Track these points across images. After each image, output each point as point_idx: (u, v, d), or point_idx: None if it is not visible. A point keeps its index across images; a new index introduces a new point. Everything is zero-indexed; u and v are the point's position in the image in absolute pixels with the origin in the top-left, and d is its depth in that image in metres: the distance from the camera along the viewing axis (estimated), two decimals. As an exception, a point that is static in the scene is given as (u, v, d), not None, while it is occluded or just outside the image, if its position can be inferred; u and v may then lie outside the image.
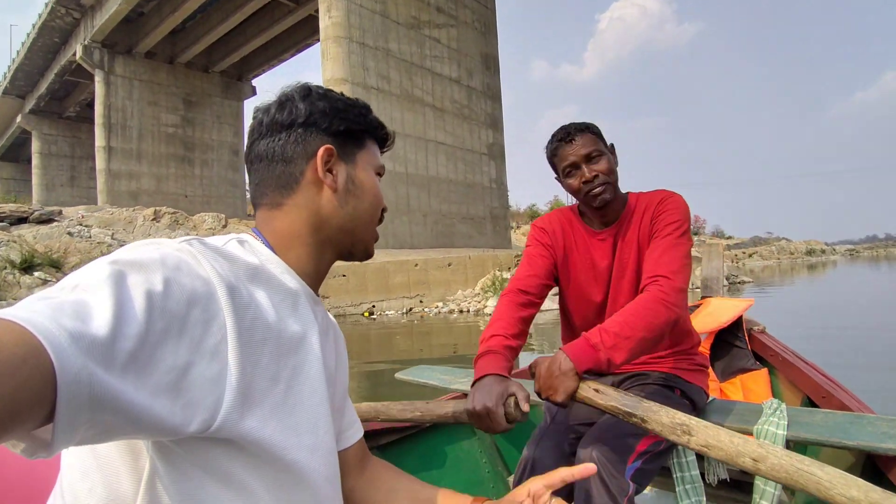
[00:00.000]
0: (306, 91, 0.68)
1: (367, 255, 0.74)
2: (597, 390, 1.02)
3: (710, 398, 1.40)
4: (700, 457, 1.32)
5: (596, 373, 1.06)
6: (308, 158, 0.66)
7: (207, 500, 0.52)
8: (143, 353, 0.43)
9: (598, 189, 1.28)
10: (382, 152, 0.76)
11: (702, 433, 0.86)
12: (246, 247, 0.62)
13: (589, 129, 1.32)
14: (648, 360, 1.34)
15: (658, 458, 1.17)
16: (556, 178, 1.39)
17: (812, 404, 1.67)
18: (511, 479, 1.61)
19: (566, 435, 1.27)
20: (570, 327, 1.44)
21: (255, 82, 24.87)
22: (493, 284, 11.72)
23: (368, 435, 1.33)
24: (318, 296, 0.69)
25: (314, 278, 0.68)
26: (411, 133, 13.57)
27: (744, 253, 48.18)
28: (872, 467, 1.25)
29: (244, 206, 24.05)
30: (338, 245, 0.70)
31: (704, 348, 2.11)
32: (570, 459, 1.21)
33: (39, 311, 0.37)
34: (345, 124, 0.68)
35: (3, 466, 0.70)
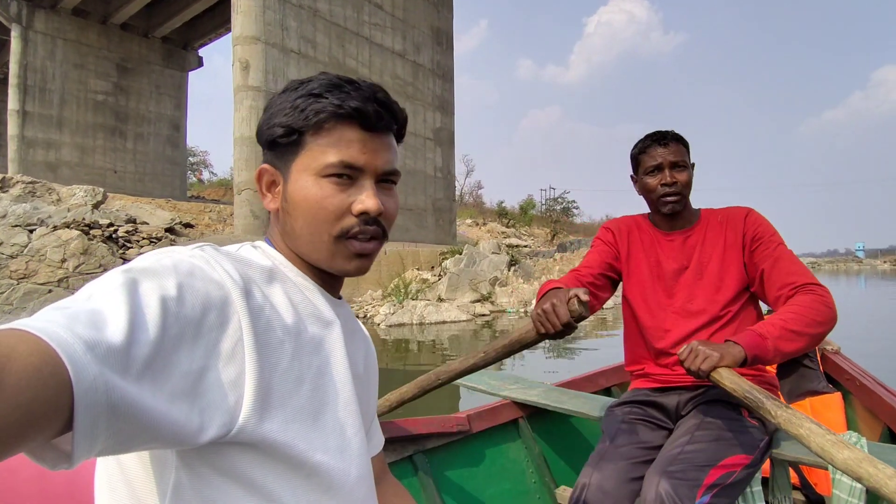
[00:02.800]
0: (270, 99, 0.64)
1: (340, 272, 0.65)
2: (729, 374, 1.05)
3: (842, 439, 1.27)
4: (766, 488, 1.35)
5: (761, 361, 1.11)
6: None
7: None
8: (158, 358, 0.43)
9: (672, 197, 1.37)
10: (367, 128, 0.62)
11: (818, 438, 0.85)
12: (259, 251, 0.63)
13: (682, 141, 1.40)
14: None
15: (727, 492, 1.15)
16: (631, 176, 1.48)
17: (894, 437, 1.57)
18: (558, 491, 1.77)
19: (627, 459, 1.27)
20: (634, 319, 1.46)
21: (202, 52, 23.02)
22: (399, 289, 10.37)
23: (414, 438, 1.54)
24: (339, 297, 0.68)
25: (329, 282, 0.66)
26: (339, 109, 12.06)
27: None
28: None
29: (184, 185, 22.31)
30: (311, 262, 0.64)
31: (770, 366, 1.86)
32: (630, 485, 1.22)
33: (54, 321, 0.38)
34: (272, 133, 0.61)
35: (19, 480, 0.67)
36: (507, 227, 29.25)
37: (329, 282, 0.67)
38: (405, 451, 1.55)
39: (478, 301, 11.26)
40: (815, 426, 0.87)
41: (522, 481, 1.81)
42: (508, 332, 1.24)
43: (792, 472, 1.54)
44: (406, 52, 14.18)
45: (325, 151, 0.61)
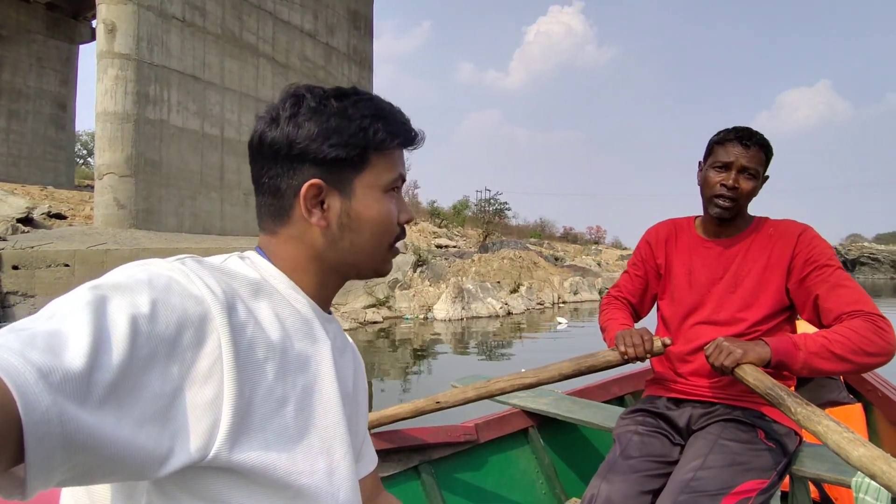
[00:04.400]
0: (295, 106, 0.60)
1: (380, 274, 0.68)
2: (752, 370, 1.06)
3: (801, 440, 1.32)
4: (785, 503, 1.34)
5: (786, 367, 1.10)
6: (295, 193, 0.60)
7: None
8: (125, 382, 0.41)
9: (725, 202, 1.28)
10: (412, 148, 0.67)
11: (834, 435, 0.84)
12: (247, 262, 0.60)
13: (766, 149, 1.29)
14: (731, 393, 1.28)
15: None
16: (699, 161, 1.39)
17: None
18: (568, 503, 1.75)
19: (638, 472, 1.25)
20: (663, 323, 1.44)
21: (95, 23, 20.53)
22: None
23: (420, 448, 1.51)
24: (329, 313, 0.66)
25: (321, 299, 0.64)
26: (235, 87, 10.60)
27: (637, 263, 49.77)
28: None
29: (71, 172, 19.77)
30: (342, 272, 0.65)
31: (791, 376, 1.66)
32: (640, 498, 1.20)
33: (7, 346, 0.36)
34: (335, 151, 0.59)
35: None
36: (440, 227, 28.78)
37: (324, 295, 0.65)
38: (411, 462, 1.49)
39: (372, 306, 10.33)
40: (833, 423, 0.87)
41: (532, 493, 1.77)
42: (594, 353, 1.25)
43: (812, 488, 1.45)
44: (317, 33, 12.95)
45: (388, 169, 0.63)
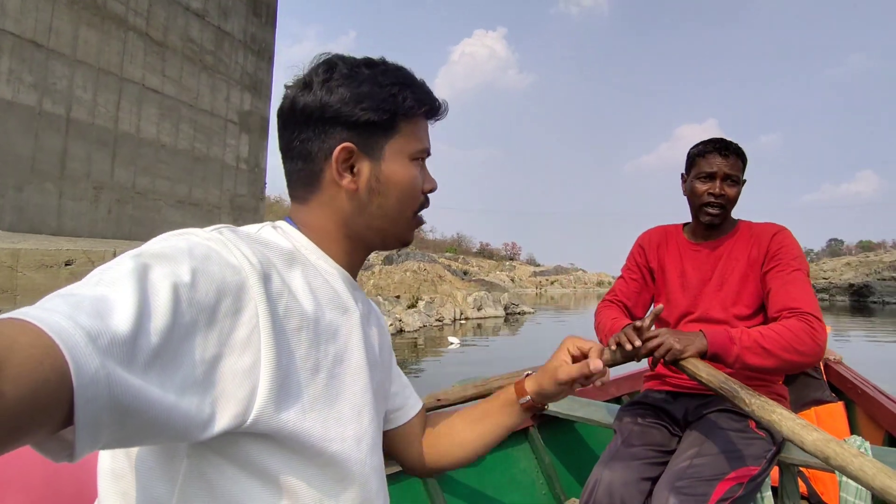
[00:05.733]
0: (328, 73, 0.62)
1: (404, 243, 0.70)
2: (703, 364, 1.09)
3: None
4: (775, 496, 1.39)
5: (720, 361, 1.14)
6: (326, 157, 0.62)
7: (246, 501, 0.50)
8: (168, 347, 0.42)
9: (714, 209, 1.37)
10: (435, 120, 0.69)
11: (789, 422, 0.87)
12: (280, 232, 0.61)
13: (742, 157, 1.39)
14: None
15: None
16: (681, 174, 1.47)
17: (894, 442, 1.66)
18: (568, 503, 1.78)
19: (639, 459, 1.29)
20: (658, 324, 1.42)
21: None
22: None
23: None
24: (356, 281, 0.67)
25: (349, 268, 0.66)
26: (92, 62, 9.00)
27: (547, 280, 51.49)
28: None
29: None
30: (367, 240, 0.67)
31: (778, 376, 1.72)
32: (640, 485, 1.24)
33: (56, 310, 0.36)
34: (368, 114, 0.61)
35: (24, 461, 0.65)
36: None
37: (352, 264, 0.66)
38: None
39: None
40: (785, 412, 0.90)
41: (532, 493, 1.78)
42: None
43: (800, 482, 1.48)
44: (207, 14, 11.55)
45: (417, 137, 0.66)
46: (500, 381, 1.34)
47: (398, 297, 12.73)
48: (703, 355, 1.13)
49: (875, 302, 26.97)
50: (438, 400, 1.40)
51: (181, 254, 0.46)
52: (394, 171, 0.64)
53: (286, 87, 0.64)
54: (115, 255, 7.80)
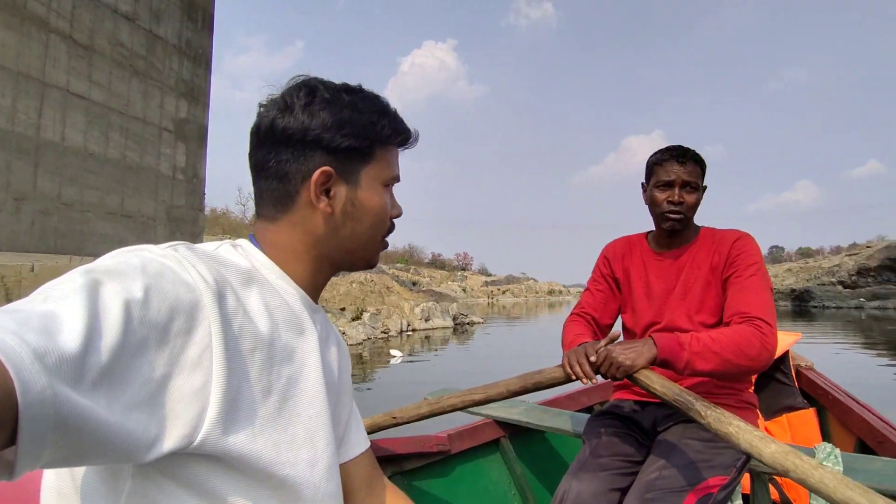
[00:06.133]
0: (310, 96, 0.63)
1: (371, 265, 0.71)
2: (656, 377, 1.08)
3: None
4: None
5: (671, 367, 1.15)
6: (304, 178, 0.63)
7: None
8: (117, 366, 0.41)
9: (675, 216, 1.37)
10: (405, 149, 0.72)
11: (746, 434, 0.85)
12: (239, 251, 0.61)
13: (700, 163, 1.40)
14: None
15: None
16: (641, 183, 1.48)
17: (866, 448, 1.62)
18: None
19: (607, 470, 1.28)
20: (629, 337, 1.47)
21: None
22: None
23: (392, 459, 1.51)
24: (316, 304, 0.67)
25: (311, 289, 0.66)
26: (10, 65, 8.42)
27: (498, 289, 52.10)
28: None
29: None
30: (336, 261, 0.68)
31: (750, 383, 1.70)
32: (609, 495, 1.24)
33: (2, 327, 0.35)
34: (348, 141, 0.63)
35: None
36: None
37: (315, 285, 0.66)
38: (383, 473, 1.28)
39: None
40: (742, 424, 0.88)
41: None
42: (540, 370, 1.24)
43: (772, 490, 1.48)
44: (138, 17, 11.03)
45: (390, 165, 0.68)
46: (453, 400, 1.32)
47: (343, 309, 12.50)
48: (654, 362, 1.13)
49: (815, 306, 28.67)
50: (394, 418, 1.38)
51: (134, 270, 0.45)
52: (368, 197, 0.66)
53: (261, 105, 0.65)
54: (33, 269, 7.28)
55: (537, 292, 57.89)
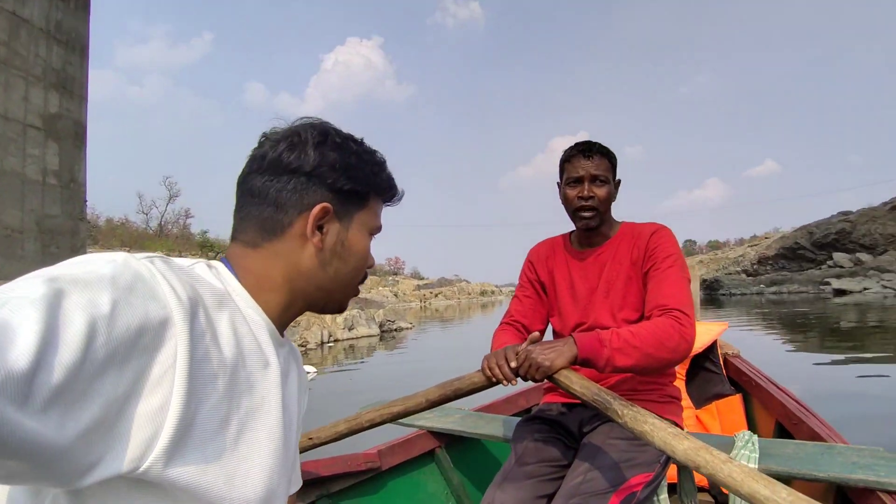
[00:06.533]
0: (322, 136, 0.64)
1: (341, 310, 0.71)
2: (576, 377, 1.07)
3: (686, 432, 1.30)
4: (673, 493, 1.42)
5: (592, 366, 1.14)
6: (301, 210, 0.63)
7: None
8: (75, 386, 0.38)
9: (587, 213, 1.36)
10: (387, 206, 0.74)
11: (660, 432, 0.88)
12: (214, 272, 0.59)
13: (608, 156, 1.39)
14: (617, 393, 1.17)
15: None
16: (557, 183, 1.46)
17: (784, 431, 1.66)
18: None
19: (533, 477, 1.27)
20: (555, 337, 1.47)
21: None
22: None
23: (317, 482, 1.44)
24: (283, 336, 0.65)
25: (279, 323, 0.64)
26: None
27: (431, 293, 51.75)
28: (844, 498, 1.28)
29: None
30: (311, 299, 0.67)
31: (680, 374, 1.96)
32: (533, 503, 1.23)
33: None
34: (351, 184, 0.65)
35: None
36: (215, 259, 25.81)
37: (284, 319, 0.65)
38: (308, 497, 1.45)
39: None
40: (657, 421, 0.91)
41: None
42: (460, 376, 1.23)
43: (698, 475, 1.40)
44: (-6, -5, 9.50)
45: (377, 215, 0.70)
46: (371, 415, 1.27)
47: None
48: (574, 362, 1.12)
49: (724, 294, 30.64)
50: (311, 439, 1.32)
51: (102, 281, 0.42)
52: (357, 241, 0.67)
53: (266, 134, 0.65)
54: None
55: (470, 293, 58.15)
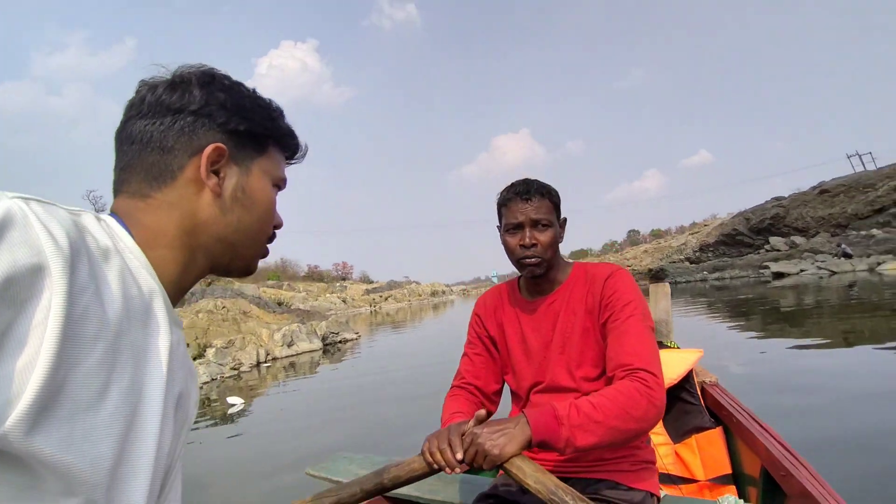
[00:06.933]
0: (208, 77, 0.60)
1: (248, 272, 0.65)
2: (529, 468, 0.98)
3: (663, 495, 1.30)
4: None
5: (549, 448, 1.03)
6: (192, 153, 0.58)
7: None
8: None
9: (532, 260, 1.23)
10: (290, 163, 0.69)
11: None
12: (103, 225, 0.51)
13: (549, 196, 1.25)
14: (584, 465, 1.22)
15: None
16: (497, 227, 1.34)
17: (770, 479, 1.55)
18: None
19: None
20: (515, 401, 1.36)
21: None
22: None
23: None
24: (175, 307, 0.59)
25: (176, 287, 0.58)
26: None
27: (381, 297, 50.64)
28: None
29: None
30: (213, 255, 0.61)
31: (656, 427, 1.78)
32: None
33: None
34: (246, 124, 0.60)
35: None
36: None
37: (182, 282, 0.59)
38: None
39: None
40: None
41: None
42: (394, 462, 1.13)
43: None
44: None
45: (279, 165, 0.65)
46: (323, 499, 1.13)
47: (187, 345, 10.27)
48: (529, 446, 1.01)
49: (669, 282, 31.13)
50: None
51: None
52: (259, 189, 0.62)
53: (144, 81, 0.59)
54: None
55: (420, 295, 57.32)
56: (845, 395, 4.14)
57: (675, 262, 35.71)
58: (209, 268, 0.61)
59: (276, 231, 0.66)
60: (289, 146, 0.66)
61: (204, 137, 0.57)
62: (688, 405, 2.01)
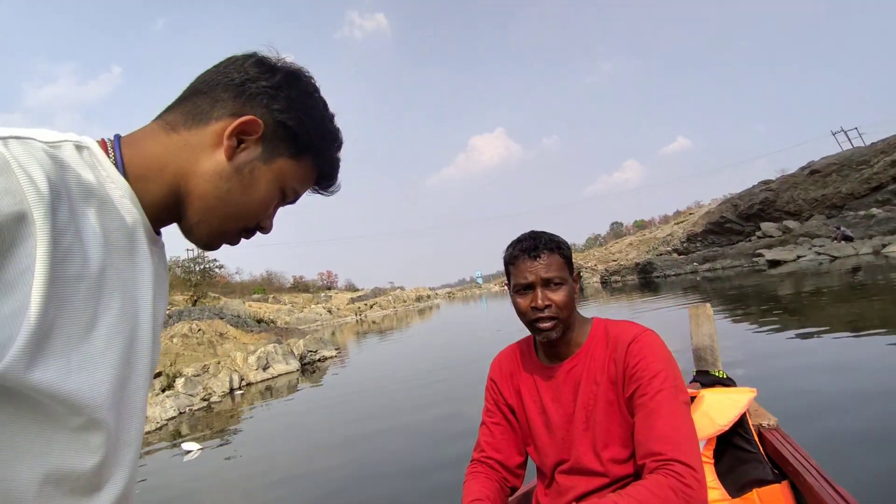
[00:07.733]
0: (294, 75, 0.62)
1: (207, 245, 0.63)
2: None
3: None
4: None
5: None
6: (230, 114, 0.59)
7: None
8: None
9: (546, 323, 1.16)
10: (317, 191, 0.70)
11: None
12: (84, 156, 0.51)
13: (559, 250, 1.18)
14: None
15: None
16: (505, 284, 1.29)
17: None
18: None
19: None
20: (540, 477, 1.28)
21: None
22: None
23: None
24: (158, 234, 0.61)
25: (161, 216, 0.59)
26: None
27: (366, 304, 49.66)
28: None
29: None
30: (187, 209, 0.60)
31: (706, 456, 1.63)
32: None
33: None
34: (295, 123, 0.61)
35: None
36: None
37: (164, 215, 0.60)
38: None
39: None
40: None
41: None
42: None
43: None
44: None
45: (302, 179, 0.65)
46: None
47: (157, 374, 9.32)
48: None
49: (658, 276, 30.21)
50: None
51: None
52: (267, 181, 0.62)
53: (241, 54, 0.62)
54: None
55: (405, 301, 56.34)
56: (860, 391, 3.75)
57: (662, 255, 35.18)
58: (176, 218, 0.60)
59: (257, 230, 0.65)
60: (324, 173, 0.67)
61: (252, 110, 0.59)
62: (744, 453, 1.78)
